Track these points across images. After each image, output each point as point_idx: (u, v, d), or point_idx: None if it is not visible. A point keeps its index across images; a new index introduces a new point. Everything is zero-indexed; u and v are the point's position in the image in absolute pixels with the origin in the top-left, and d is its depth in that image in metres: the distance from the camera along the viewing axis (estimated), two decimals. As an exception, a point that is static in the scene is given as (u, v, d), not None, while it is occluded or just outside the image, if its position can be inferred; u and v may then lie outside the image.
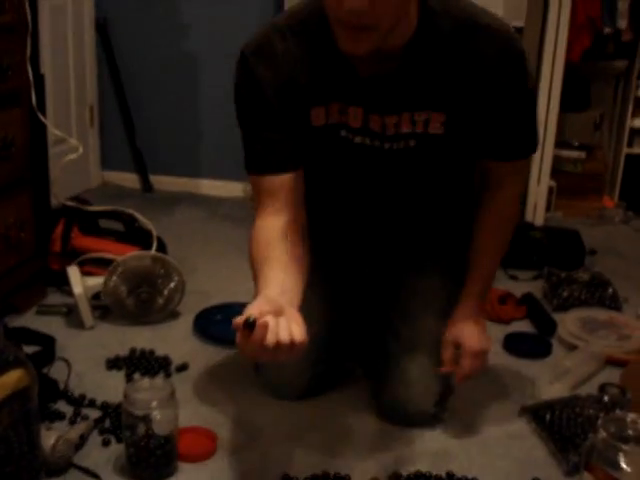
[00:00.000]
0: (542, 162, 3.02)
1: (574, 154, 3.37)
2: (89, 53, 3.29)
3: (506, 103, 1.44)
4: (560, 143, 3.24)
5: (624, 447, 1.29)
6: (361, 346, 1.84)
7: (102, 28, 3.29)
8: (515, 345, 2.05)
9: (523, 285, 2.47)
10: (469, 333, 1.59)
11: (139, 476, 1.44)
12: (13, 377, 1.39)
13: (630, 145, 3.39)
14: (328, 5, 1.24)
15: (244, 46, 1.44)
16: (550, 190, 3.13)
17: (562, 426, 1.62)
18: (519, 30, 2.57)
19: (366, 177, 1.55)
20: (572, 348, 2.04)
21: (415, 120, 1.41)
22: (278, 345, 1.13)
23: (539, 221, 3.07)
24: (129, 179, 3.47)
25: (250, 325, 1.12)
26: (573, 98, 3.30)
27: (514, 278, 2.53)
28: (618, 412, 1.60)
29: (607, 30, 3.18)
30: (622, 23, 3.18)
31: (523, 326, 2.19)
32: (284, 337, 1.13)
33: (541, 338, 2.11)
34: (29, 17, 2.06)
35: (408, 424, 1.63)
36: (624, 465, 1.29)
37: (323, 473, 1.46)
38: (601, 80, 3.49)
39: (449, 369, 1.61)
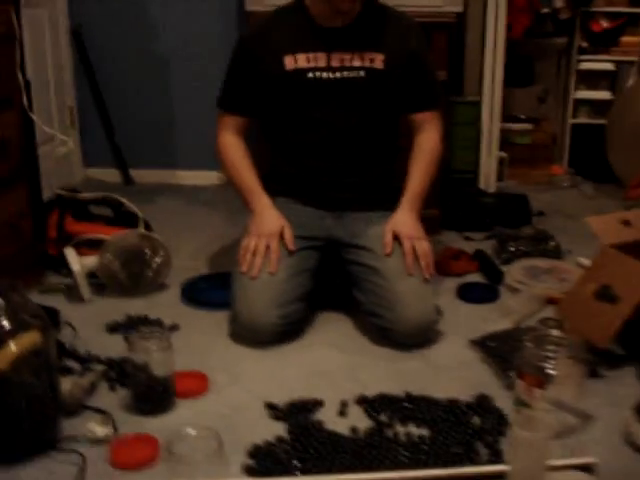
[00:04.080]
0: (491, 135, 3.29)
1: (521, 126, 3.64)
2: (66, 58, 3.51)
3: (415, 58, 2.14)
4: (508, 117, 3.51)
5: (547, 354, 1.56)
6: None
7: (77, 34, 3.51)
8: (467, 293, 2.31)
9: (476, 244, 2.73)
10: (402, 222, 2.10)
11: (143, 411, 1.69)
12: (33, 336, 1.59)
13: (575, 116, 3.69)
14: None
15: (244, 31, 2.47)
16: (501, 161, 3.40)
17: (505, 351, 1.89)
18: (459, 15, 2.82)
19: (326, 109, 2.12)
20: (517, 292, 2.30)
21: (364, 57, 2.10)
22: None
23: (491, 190, 3.33)
24: (110, 174, 3.67)
25: None
26: (518, 75, 3.57)
27: (468, 239, 2.80)
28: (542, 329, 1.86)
29: (545, 10, 3.46)
30: (558, 2, 3.45)
31: (475, 278, 2.46)
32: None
33: (490, 286, 2.37)
34: (16, 27, 2.29)
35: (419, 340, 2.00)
36: (548, 369, 1.57)
37: (300, 399, 1.72)
38: (544, 57, 3.76)
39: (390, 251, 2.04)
